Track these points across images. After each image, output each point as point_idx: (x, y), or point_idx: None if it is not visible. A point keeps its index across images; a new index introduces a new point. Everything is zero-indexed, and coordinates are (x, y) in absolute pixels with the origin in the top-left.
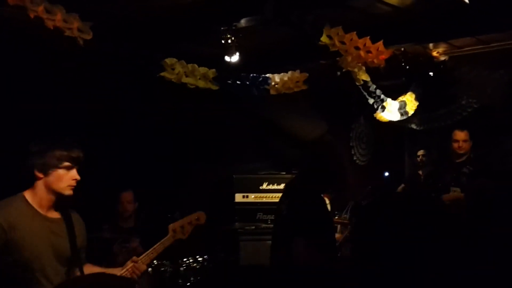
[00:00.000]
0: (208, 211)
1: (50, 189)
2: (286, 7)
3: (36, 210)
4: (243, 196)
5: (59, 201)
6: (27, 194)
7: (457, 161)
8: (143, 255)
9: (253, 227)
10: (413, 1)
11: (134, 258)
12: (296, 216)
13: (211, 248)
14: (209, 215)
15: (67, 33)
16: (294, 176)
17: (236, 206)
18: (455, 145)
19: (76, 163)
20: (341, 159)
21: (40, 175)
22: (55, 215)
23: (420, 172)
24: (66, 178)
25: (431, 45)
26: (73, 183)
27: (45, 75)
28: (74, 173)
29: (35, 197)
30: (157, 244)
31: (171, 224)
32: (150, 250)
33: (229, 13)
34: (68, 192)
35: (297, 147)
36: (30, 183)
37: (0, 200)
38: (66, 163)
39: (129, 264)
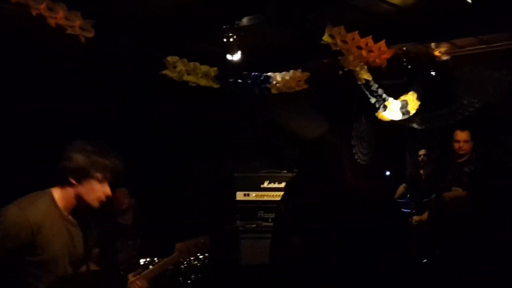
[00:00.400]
0: (209, 209)
1: (79, 197)
2: (288, 6)
3: (60, 210)
4: (244, 195)
5: (83, 209)
6: (56, 193)
7: (459, 161)
8: (147, 270)
9: (254, 226)
10: (415, 1)
11: (138, 274)
12: (294, 215)
13: (212, 246)
14: (210, 213)
15: (69, 31)
16: (294, 174)
17: (237, 204)
18: (456, 145)
19: (112, 177)
20: (342, 158)
21: (73, 182)
22: (76, 218)
23: (422, 172)
24: (99, 192)
25: (433, 44)
26: (104, 198)
27: (45, 73)
28: (107, 189)
29: (63, 198)
30: (162, 262)
31: (178, 244)
32: (155, 266)
33: (231, 11)
34: (96, 205)
35: (298, 146)
36: (60, 182)
37: (28, 195)
38: (101, 175)
39: (131, 279)
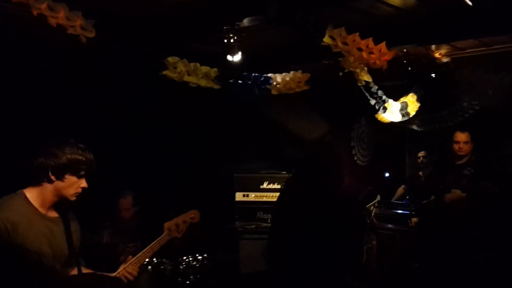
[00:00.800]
0: (208, 209)
1: (57, 192)
2: (289, 7)
3: (36, 209)
4: (244, 195)
5: (60, 203)
6: (29, 193)
7: (458, 163)
8: (139, 253)
9: (253, 226)
10: (415, 2)
11: (129, 258)
12: (290, 217)
13: (211, 247)
14: (209, 214)
15: (70, 30)
16: (291, 175)
17: (236, 205)
18: (456, 146)
19: (89, 172)
20: (340, 159)
21: (53, 178)
22: (53, 214)
23: (421, 173)
24: (76, 185)
25: (433, 46)
26: (80, 190)
27: (46, 73)
28: (83, 181)
29: (39, 196)
30: (153, 243)
31: (166, 223)
32: (146, 248)
33: (232, 12)
34: (74, 198)
35: (297, 147)
36: (34, 181)
37: (0, 198)
38: (82, 171)
39: (121, 268)
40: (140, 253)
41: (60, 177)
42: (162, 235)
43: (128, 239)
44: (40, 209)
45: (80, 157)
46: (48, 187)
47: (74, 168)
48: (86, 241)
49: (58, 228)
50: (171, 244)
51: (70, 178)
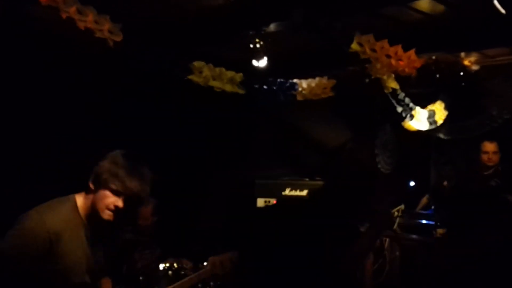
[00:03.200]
0: (230, 215)
1: (93, 204)
2: (315, 14)
3: (81, 218)
4: (265, 201)
5: (95, 218)
6: (79, 199)
7: (485, 173)
8: (176, 284)
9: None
10: (445, 9)
11: None
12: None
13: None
14: (230, 219)
15: (98, 34)
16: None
17: (257, 211)
18: (485, 157)
19: (127, 196)
20: (363, 167)
21: (92, 187)
22: (96, 226)
23: (445, 183)
24: (109, 201)
25: (462, 54)
26: (112, 207)
27: (71, 75)
28: (118, 201)
29: (84, 204)
30: (194, 275)
31: (212, 258)
32: (185, 279)
33: (258, 17)
34: (106, 216)
35: (320, 153)
36: (86, 188)
37: (51, 201)
38: (118, 192)
39: None
40: (178, 283)
41: (96, 187)
42: (205, 269)
43: (146, 246)
44: (85, 218)
45: (121, 176)
46: (90, 196)
47: (109, 183)
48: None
49: (97, 240)
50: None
51: (105, 192)
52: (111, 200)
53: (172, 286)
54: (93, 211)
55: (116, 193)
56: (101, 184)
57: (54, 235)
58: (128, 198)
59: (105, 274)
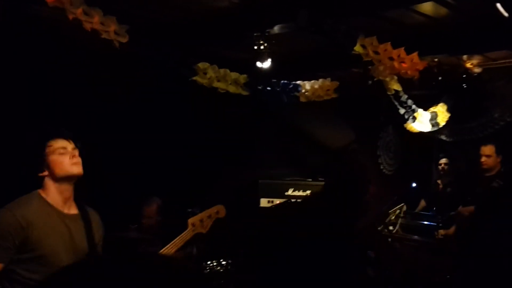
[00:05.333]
0: (233, 215)
1: (58, 179)
2: (320, 16)
3: (53, 206)
4: (268, 201)
5: (73, 191)
6: (43, 192)
7: (487, 175)
8: (163, 249)
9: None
10: (448, 12)
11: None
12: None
13: (235, 252)
14: (233, 219)
15: (104, 35)
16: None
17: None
18: (480, 159)
19: (64, 140)
20: (365, 168)
21: (44, 172)
22: (72, 211)
23: (439, 182)
24: (63, 159)
25: (465, 56)
26: (74, 160)
27: (78, 76)
28: (67, 151)
29: (49, 194)
30: (176, 239)
31: (190, 218)
32: (169, 244)
33: (262, 19)
34: (75, 170)
35: (323, 154)
36: (41, 182)
37: (18, 198)
38: (55, 145)
39: None
40: (163, 249)
41: (46, 167)
42: (186, 231)
43: (150, 244)
44: (57, 207)
45: (46, 139)
46: (48, 182)
47: (46, 151)
48: (110, 237)
49: (77, 225)
50: (196, 240)
51: (52, 160)
52: (64, 157)
53: (159, 252)
54: (64, 183)
55: (61, 149)
56: (45, 160)
57: (25, 223)
58: (69, 143)
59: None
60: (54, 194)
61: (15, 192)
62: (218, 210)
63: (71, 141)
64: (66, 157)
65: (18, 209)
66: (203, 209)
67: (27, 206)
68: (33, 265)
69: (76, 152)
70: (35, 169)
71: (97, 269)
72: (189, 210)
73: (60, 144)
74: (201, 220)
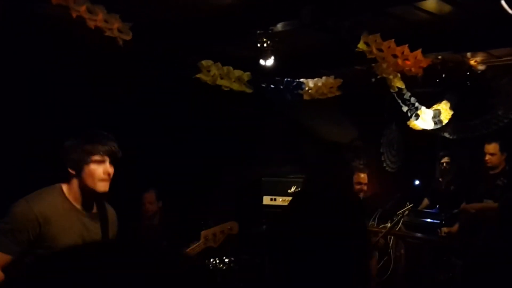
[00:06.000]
0: (236, 212)
1: (83, 185)
2: (323, 13)
3: (71, 203)
4: (271, 199)
5: (95, 197)
6: (65, 187)
7: (491, 172)
8: None
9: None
10: (452, 9)
11: None
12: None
13: (237, 250)
14: (236, 217)
15: (108, 33)
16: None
17: (263, 208)
18: (485, 158)
19: (106, 155)
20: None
21: (73, 172)
22: (91, 210)
23: (441, 179)
24: (97, 173)
25: (468, 54)
26: (105, 177)
27: (81, 73)
28: (105, 167)
29: (71, 191)
30: (187, 250)
31: (204, 231)
32: None
33: (266, 17)
34: (102, 188)
35: (326, 152)
36: (66, 178)
37: (37, 190)
38: (96, 157)
39: None
40: None
41: (78, 170)
42: (198, 243)
43: (152, 237)
44: (75, 204)
45: (90, 145)
46: (74, 182)
47: (86, 157)
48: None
49: (94, 224)
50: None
51: (87, 168)
52: (100, 170)
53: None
54: (84, 192)
55: (99, 161)
56: (81, 163)
57: (42, 219)
58: (111, 159)
59: None
60: (76, 193)
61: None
62: (231, 226)
63: (113, 150)
64: (100, 170)
65: (38, 204)
66: (216, 221)
67: (47, 201)
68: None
69: (111, 170)
70: (68, 165)
71: (106, 255)
72: (202, 221)
73: (102, 152)
74: (214, 234)
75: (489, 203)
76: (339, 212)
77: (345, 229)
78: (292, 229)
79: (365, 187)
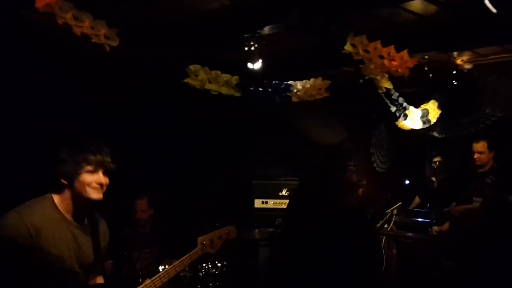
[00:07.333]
0: (227, 216)
1: (77, 195)
2: (310, 15)
3: (62, 214)
4: (262, 202)
5: (88, 207)
6: (56, 198)
7: (480, 171)
8: (169, 268)
9: (272, 233)
10: (437, 9)
11: (162, 273)
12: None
13: (230, 254)
14: (227, 220)
15: (94, 39)
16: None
17: (255, 212)
18: (473, 156)
19: (99, 166)
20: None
21: (65, 182)
22: (81, 220)
23: (434, 179)
24: (90, 183)
25: (455, 53)
26: (98, 187)
27: (69, 80)
28: (98, 177)
29: (63, 202)
30: (184, 257)
31: (201, 237)
32: (176, 262)
33: (253, 20)
34: (95, 196)
35: (316, 153)
36: (59, 187)
37: (28, 201)
38: (88, 167)
39: (147, 281)
40: (170, 267)
41: (71, 180)
42: (195, 250)
43: (144, 245)
44: (66, 215)
45: (83, 155)
46: (66, 192)
47: (78, 168)
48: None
49: (85, 235)
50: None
51: (81, 177)
52: (93, 179)
53: (163, 269)
54: (76, 203)
55: (92, 171)
56: (74, 174)
57: (33, 230)
58: (104, 169)
59: (98, 268)
60: (68, 204)
61: (26, 188)
62: (229, 231)
63: (106, 161)
64: (93, 180)
65: (29, 216)
66: (213, 226)
67: (38, 213)
68: (36, 272)
69: (105, 180)
70: (60, 175)
71: None
72: (198, 227)
73: (94, 162)
74: (211, 240)
75: (471, 205)
76: (337, 216)
77: (346, 230)
78: (293, 232)
79: (364, 187)
